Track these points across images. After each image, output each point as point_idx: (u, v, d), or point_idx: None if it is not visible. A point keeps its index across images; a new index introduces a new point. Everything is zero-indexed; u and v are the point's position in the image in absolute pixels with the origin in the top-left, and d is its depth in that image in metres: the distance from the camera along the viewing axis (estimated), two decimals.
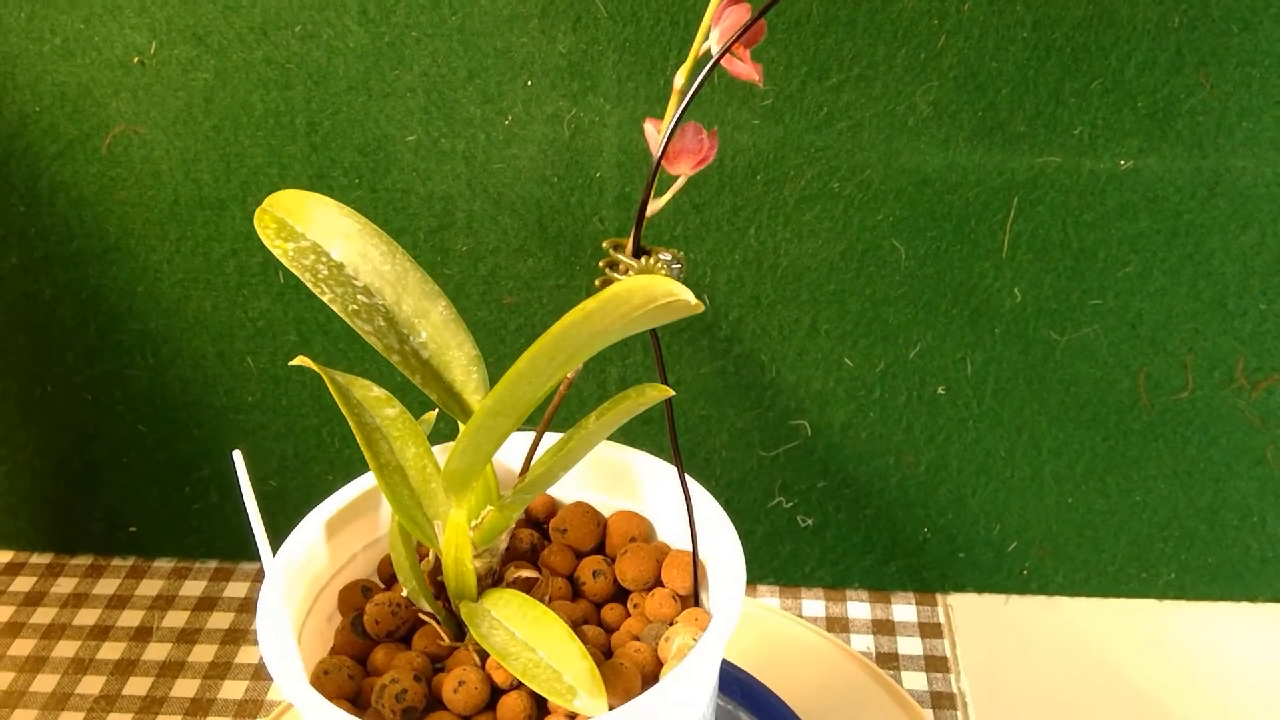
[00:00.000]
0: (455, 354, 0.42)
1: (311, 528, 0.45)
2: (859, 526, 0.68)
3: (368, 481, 0.48)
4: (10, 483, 0.72)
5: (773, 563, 0.70)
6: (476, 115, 0.60)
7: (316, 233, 0.41)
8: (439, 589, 0.45)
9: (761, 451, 0.67)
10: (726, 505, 0.65)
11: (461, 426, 0.43)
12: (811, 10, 0.56)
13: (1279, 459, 0.64)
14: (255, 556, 0.71)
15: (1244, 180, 0.58)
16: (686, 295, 0.32)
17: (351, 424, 0.41)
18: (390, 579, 0.48)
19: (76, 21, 0.58)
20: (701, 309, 0.32)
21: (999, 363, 0.63)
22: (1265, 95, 0.57)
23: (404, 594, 0.44)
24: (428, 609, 0.43)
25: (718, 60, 0.36)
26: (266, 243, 0.41)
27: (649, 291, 0.32)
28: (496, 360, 0.65)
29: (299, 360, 0.41)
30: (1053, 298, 0.61)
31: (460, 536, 0.41)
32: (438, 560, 0.45)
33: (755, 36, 0.37)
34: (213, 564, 0.72)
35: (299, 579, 0.44)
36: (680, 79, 0.37)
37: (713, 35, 0.37)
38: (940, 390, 0.64)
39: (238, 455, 0.43)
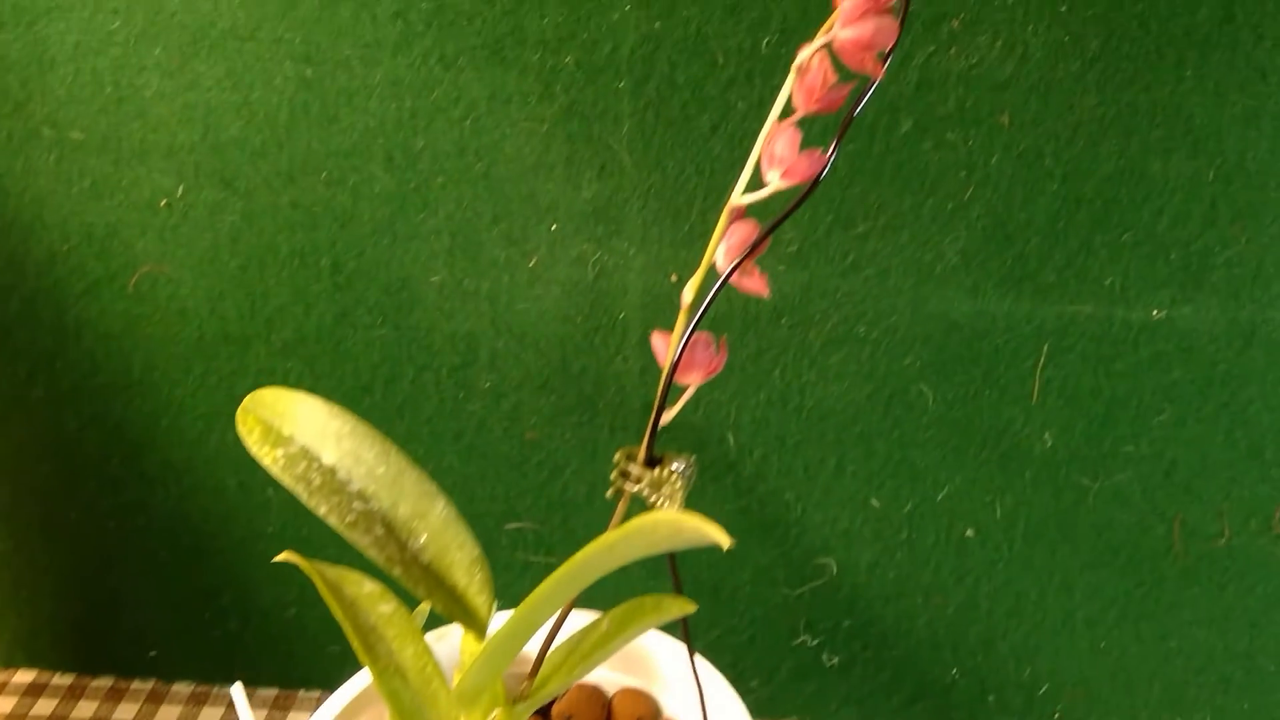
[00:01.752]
0: (457, 555, 0.41)
1: None
2: (886, 666, 0.67)
3: (365, 679, 0.46)
4: (34, 605, 0.72)
5: (796, 700, 0.68)
6: (501, 257, 0.59)
7: (306, 435, 0.41)
8: None
9: (786, 589, 0.66)
10: (750, 642, 0.65)
11: (464, 632, 0.42)
12: (837, 161, 0.56)
13: None
14: (273, 682, 0.71)
15: None
16: (718, 535, 0.30)
17: (345, 627, 0.40)
18: None
19: (105, 165, 0.58)
20: (732, 545, 0.30)
21: (1029, 506, 0.62)
22: None
23: None
24: None
25: (727, 278, 0.36)
26: (252, 450, 0.40)
27: (675, 526, 0.31)
28: (519, 494, 0.65)
29: (285, 556, 0.40)
30: (1084, 444, 0.60)
31: None
32: None
33: (760, 248, 0.36)
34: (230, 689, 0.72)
35: None
36: (689, 294, 0.37)
37: (720, 249, 0.36)
38: (969, 532, 0.63)
39: (238, 688, 0.41)
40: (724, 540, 0.31)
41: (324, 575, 0.42)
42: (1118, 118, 0.54)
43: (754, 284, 0.37)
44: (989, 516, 0.63)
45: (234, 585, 0.69)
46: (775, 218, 0.36)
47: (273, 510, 0.66)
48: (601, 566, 0.34)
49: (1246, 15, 0.52)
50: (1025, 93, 0.54)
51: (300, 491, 0.40)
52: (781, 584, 0.66)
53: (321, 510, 0.40)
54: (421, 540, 0.42)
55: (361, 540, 0.40)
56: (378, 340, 0.62)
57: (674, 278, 0.59)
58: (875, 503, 0.63)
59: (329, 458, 0.41)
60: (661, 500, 0.39)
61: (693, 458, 0.39)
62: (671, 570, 0.43)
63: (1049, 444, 0.61)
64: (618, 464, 0.39)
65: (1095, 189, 0.55)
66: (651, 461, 0.39)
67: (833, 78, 0.35)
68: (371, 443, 0.42)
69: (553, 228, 0.59)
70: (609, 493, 0.40)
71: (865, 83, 0.36)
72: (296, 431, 0.41)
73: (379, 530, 0.41)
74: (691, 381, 0.38)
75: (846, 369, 0.60)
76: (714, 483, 0.64)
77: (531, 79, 0.56)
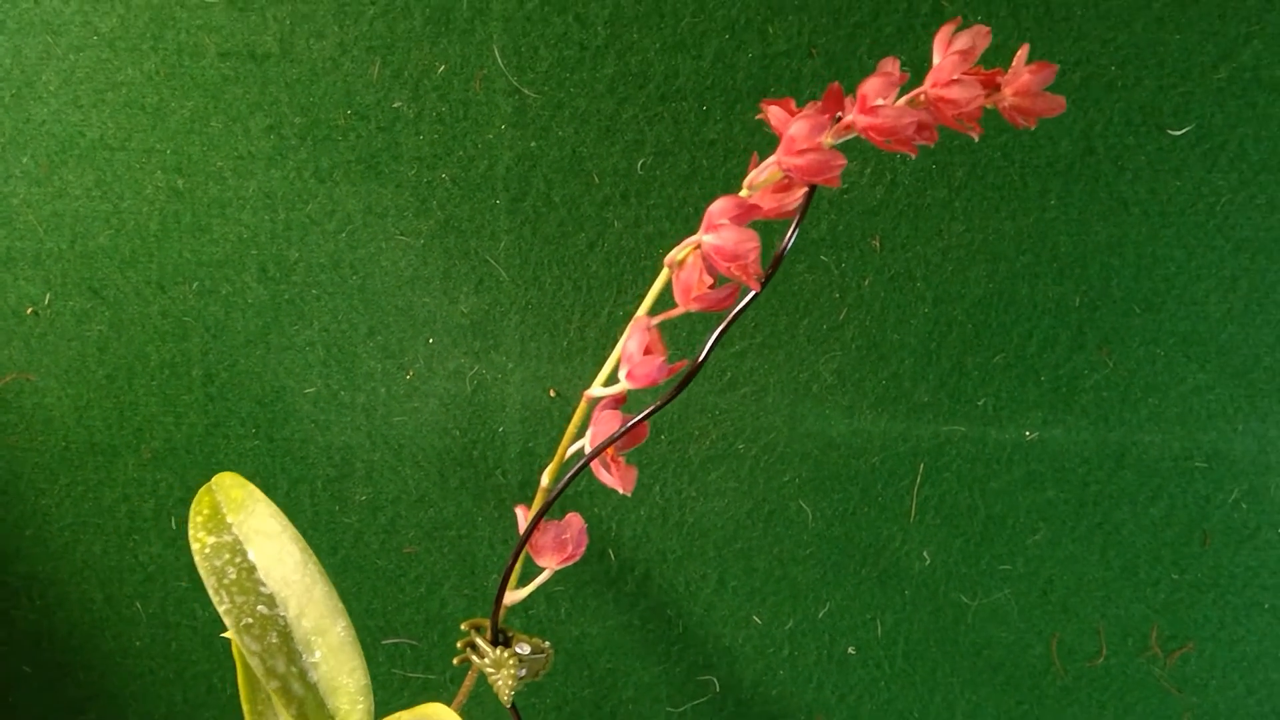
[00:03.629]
0: (346, 680, 0.41)
1: None
2: None
3: None
4: None
5: None
6: (377, 370, 0.59)
7: (243, 528, 0.42)
8: None
9: (669, 707, 0.65)
10: None
11: None
12: (715, 279, 0.56)
13: None
14: None
15: (1150, 454, 0.58)
16: None
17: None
18: None
19: None
20: None
21: (910, 624, 0.62)
22: (1170, 373, 0.56)
23: None
24: None
25: (585, 463, 0.35)
26: (192, 529, 0.41)
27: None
28: (396, 608, 0.63)
29: (229, 634, 0.40)
30: (962, 562, 0.60)
31: None
32: None
33: (637, 438, 0.36)
34: None
35: None
36: (546, 479, 0.36)
37: (589, 435, 0.36)
38: (851, 650, 0.63)
39: None
40: None
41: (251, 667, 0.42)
42: (985, 244, 0.55)
43: (613, 479, 0.36)
44: (870, 634, 0.62)
45: (100, 701, 0.66)
46: (641, 413, 0.35)
47: (141, 624, 0.64)
48: None
49: (1108, 149, 0.54)
50: (895, 218, 0.55)
51: (211, 582, 0.41)
52: (664, 702, 0.65)
53: (222, 608, 0.41)
54: (316, 656, 0.41)
55: (250, 645, 0.40)
56: (251, 452, 0.60)
57: (552, 392, 0.59)
58: (757, 620, 0.62)
59: (254, 554, 0.42)
60: (497, 681, 0.38)
61: (546, 644, 0.38)
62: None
63: (927, 562, 0.60)
64: (466, 634, 0.39)
65: (965, 312, 0.56)
66: (498, 639, 0.38)
67: (709, 279, 0.34)
68: (295, 549, 0.43)
69: (430, 341, 0.58)
70: (456, 660, 0.39)
71: (745, 289, 0.35)
72: (237, 521, 0.42)
73: (273, 639, 0.41)
74: (548, 565, 0.37)
75: (726, 485, 0.60)
76: (595, 599, 0.63)
77: (407, 194, 0.56)
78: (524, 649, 0.38)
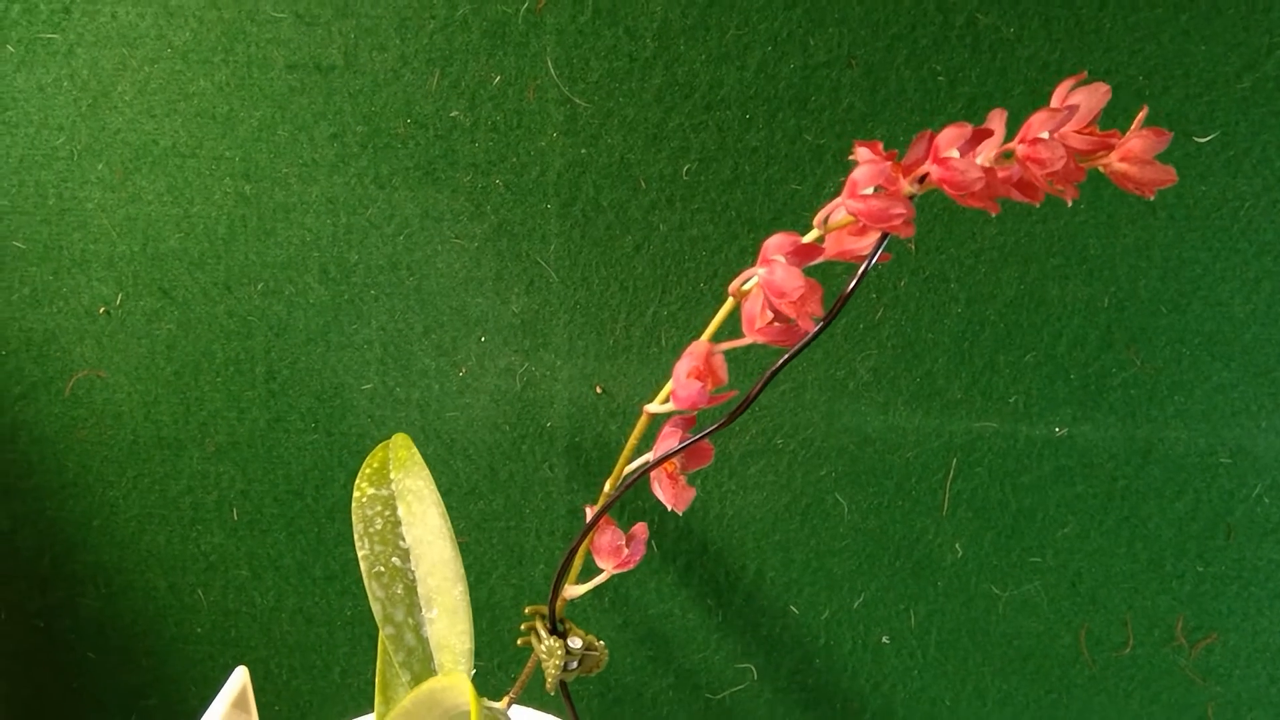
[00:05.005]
0: (454, 641, 0.44)
1: None
2: None
3: None
4: None
5: None
6: (431, 367, 0.61)
7: (400, 485, 0.45)
8: None
9: (708, 694, 0.67)
10: None
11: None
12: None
13: (1220, 715, 0.64)
14: None
15: (1177, 450, 0.60)
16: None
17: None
18: None
19: (45, 273, 0.60)
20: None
21: (942, 615, 0.64)
22: (1196, 371, 0.59)
23: None
24: None
25: (642, 474, 0.37)
26: (359, 479, 0.46)
27: (457, 691, 0.35)
28: None
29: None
30: (993, 554, 0.62)
31: None
32: None
33: (703, 458, 0.38)
34: None
35: None
36: (609, 486, 0.38)
37: (655, 448, 0.38)
38: (885, 639, 0.65)
39: (242, 672, 0.44)
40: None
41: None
42: (1017, 246, 0.57)
43: (667, 495, 0.37)
44: (904, 624, 0.64)
45: (162, 686, 0.69)
46: (694, 436, 0.38)
47: (203, 611, 0.67)
48: None
49: None
50: (930, 221, 0.57)
51: (358, 528, 0.45)
52: (704, 689, 0.67)
53: (361, 552, 0.44)
54: (433, 614, 0.44)
55: (377, 591, 0.43)
56: (310, 445, 0.63)
57: (599, 389, 0.61)
58: (794, 610, 0.65)
59: (402, 510, 0.46)
60: (547, 668, 0.40)
61: (600, 644, 0.41)
62: (566, 702, 0.44)
63: (960, 554, 0.63)
64: (531, 617, 0.41)
65: (997, 312, 0.58)
66: (555, 628, 0.41)
67: (769, 315, 0.34)
68: (436, 513, 0.47)
69: (482, 339, 0.61)
70: (519, 641, 0.42)
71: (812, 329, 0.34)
72: (397, 479, 0.46)
73: (398, 590, 0.44)
74: (605, 566, 0.39)
75: (765, 479, 0.62)
76: (638, 588, 0.65)
77: (463, 199, 0.58)
78: (575, 643, 0.40)
